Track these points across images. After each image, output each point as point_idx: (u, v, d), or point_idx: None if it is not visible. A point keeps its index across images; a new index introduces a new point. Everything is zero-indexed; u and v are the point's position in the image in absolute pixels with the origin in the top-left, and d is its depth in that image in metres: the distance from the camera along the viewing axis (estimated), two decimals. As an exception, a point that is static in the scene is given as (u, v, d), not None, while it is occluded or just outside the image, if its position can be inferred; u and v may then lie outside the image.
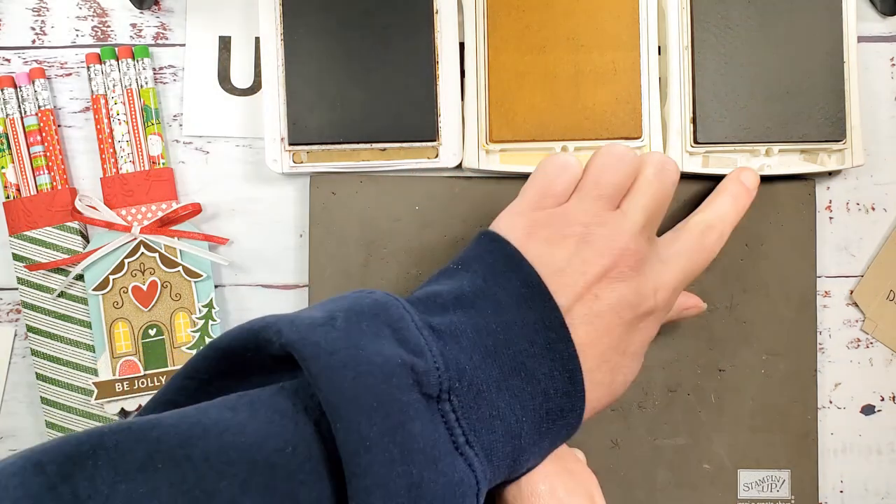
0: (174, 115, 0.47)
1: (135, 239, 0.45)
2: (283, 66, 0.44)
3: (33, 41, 0.47)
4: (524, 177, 0.37)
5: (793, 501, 0.45)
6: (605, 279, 0.33)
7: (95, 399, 0.45)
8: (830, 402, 0.47)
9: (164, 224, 0.45)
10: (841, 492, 0.47)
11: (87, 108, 0.47)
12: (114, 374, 0.45)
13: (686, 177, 0.45)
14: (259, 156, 0.47)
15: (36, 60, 0.47)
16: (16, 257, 0.45)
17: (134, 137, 0.46)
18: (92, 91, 0.46)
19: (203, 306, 0.46)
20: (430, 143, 0.45)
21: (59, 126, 0.47)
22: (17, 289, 0.46)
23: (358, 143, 0.44)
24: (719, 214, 0.39)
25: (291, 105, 0.44)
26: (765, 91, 0.44)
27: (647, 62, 0.45)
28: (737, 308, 0.46)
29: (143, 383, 0.45)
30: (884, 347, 0.47)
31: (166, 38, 0.47)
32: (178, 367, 0.43)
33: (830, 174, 0.47)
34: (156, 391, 0.41)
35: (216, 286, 0.47)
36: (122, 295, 0.45)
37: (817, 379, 0.46)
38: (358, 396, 0.26)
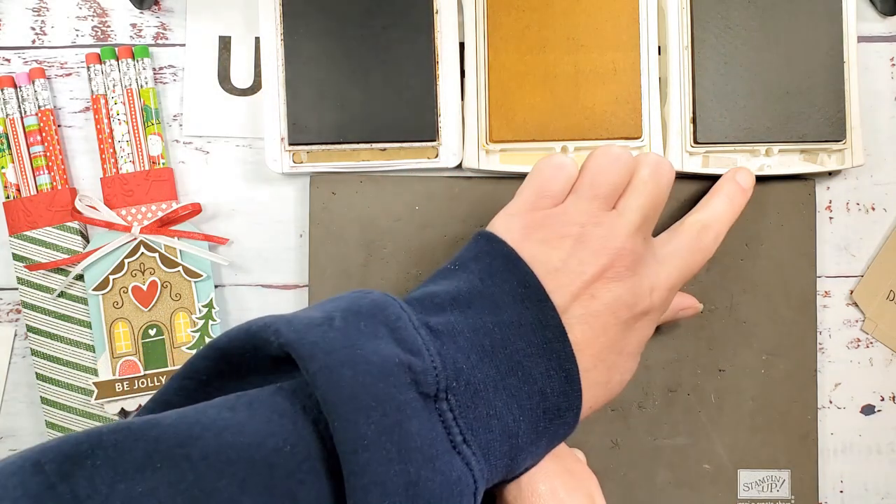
0: (174, 115, 0.47)
1: (135, 239, 0.45)
2: (283, 66, 0.44)
3: (33, 41, 0.47)
4: (524, 177, 0.37)
5: (793, 501, 0.45)
6: (601, 279, 0.33)
7: (95, 399, 0.45)
8: (830, 402, 0.47)
9: (164, 224, 0.45)
10: (841, 492, 0.47)
11: (87, 108, 0.47)
12: (114, 374, 0.45)
13: (685, 176, 0.45)
14: (259, 156, 0.47)
15: (36, 60, 0.47)
16: (16, 257, 0.45)
17: (134, 137, 0.46)
18: (92, 91, 0.46)
19: (203, 306, 0.46)
20: (430, 143, 0.45)
21: (59, 126, 0.47)
22: (17, 289, 0.46)
23: (358, 143, 0.44)
24: (715, 214, 0.39)
25: (291, 105, 0.44)
26: (765, 91, 0.44)
27: (647, 62, 0.45)
28: (737, 308, 0.46)
29: (143, 383, 0.45)
30: (884, 347, 0.47)
31: (166, 38, 0.47)
32: (178, 367, 0.43)
33: (830, 174, 0.47)
34: (155, 391, 0.41)
35: (216, 286, 0.47)
36: (122, 295, 0.45)
37: (817, 379, 0.46)
38: (355, 395, 0.26)
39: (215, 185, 0.47)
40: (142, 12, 0.47)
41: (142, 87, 0.46)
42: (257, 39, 0.47)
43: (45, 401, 0.45)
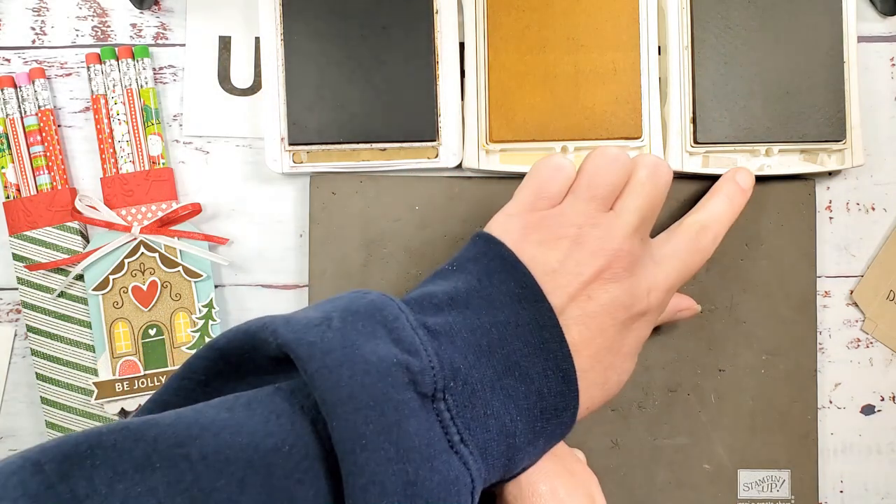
0: (174, 115, 0.47)
1: (135, 239, 0.45)
2: (283, 66, 0.44)
3: (33, 41, 0.47)
4: (524, 177, 0.37)
5: (793, 501, 0.45)
6: (598, 280, 0.33)
7: (95, 399, 0.45)
8: (830, 402, 0.47)
9: (164, 224, 0.45)
10: (841, 492, 0.47)
11: (87, 108, 0.47)
12: (114, 374, 0.45)
13: (685, 176, 0.45)
14: (259, 156, 0.47)
15: (36, 60, 0.47)
16: (16, 257, 0.46)
17: (134, 137, 0.46)
18: (92, 91, 0.46)
19: (203, 306, 0.46)
20: (430, 143, 0.45)
21: (59, 126, 0.47)
22: (17, 289, 0.46)
23: (358, 143, 0.44)
24: (714, 215, 0.39)
25: (291, 105, 0.44)
26: (764, 91, 0.44)
27: (647, 62, 0.45)
28: (737, 308, 0.46)
29: (143, 383, 0.45)
30: (884, 347, 0.47)
31: (166, 38, 0.47)
32: (178, 367, 0.43)
33: (830, 174, 0.47)
34: (154, 391, 0.41)
35: (216, 286, 0.47)
36: (122, 295, 0.45)
37: (817, 379, 0.46)
38: (353, 395, 0.26)
39: (215, 185, 0.47)
40: (142, 12, 0.47)
41: (142, 87, 0.46)
42: (257, 39, 0.47)
43: (45, 401, 0.46)
